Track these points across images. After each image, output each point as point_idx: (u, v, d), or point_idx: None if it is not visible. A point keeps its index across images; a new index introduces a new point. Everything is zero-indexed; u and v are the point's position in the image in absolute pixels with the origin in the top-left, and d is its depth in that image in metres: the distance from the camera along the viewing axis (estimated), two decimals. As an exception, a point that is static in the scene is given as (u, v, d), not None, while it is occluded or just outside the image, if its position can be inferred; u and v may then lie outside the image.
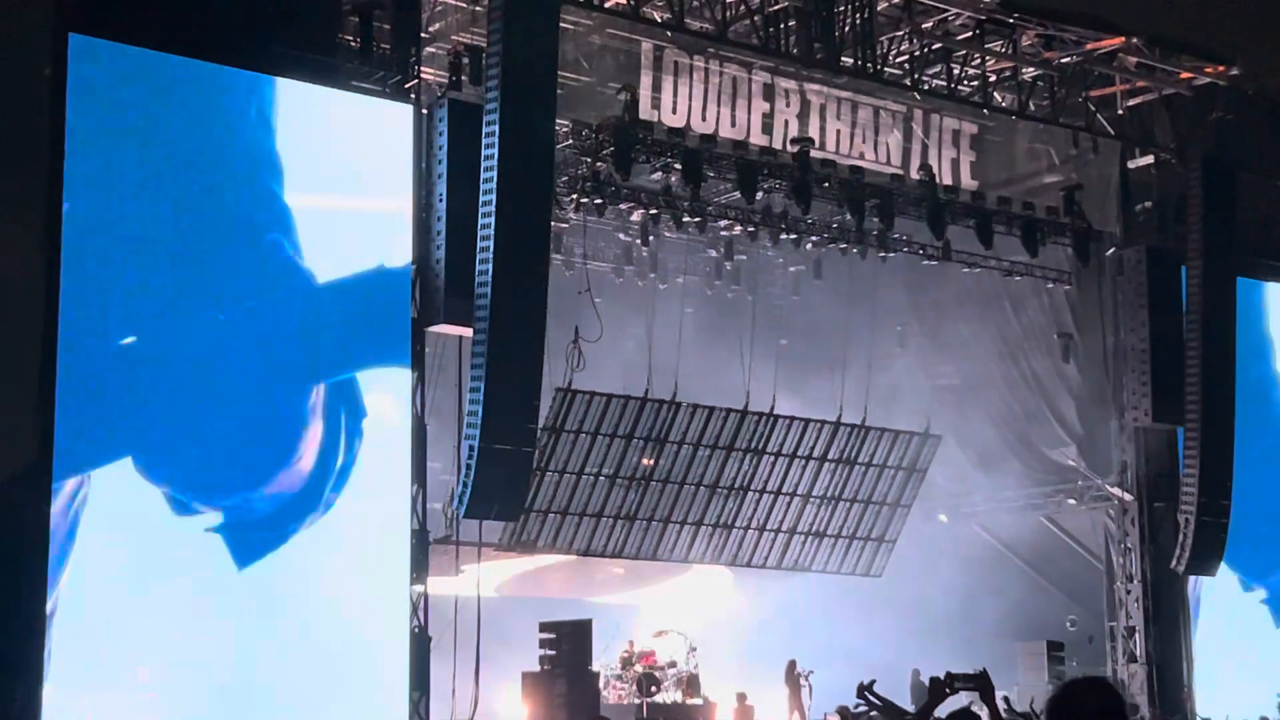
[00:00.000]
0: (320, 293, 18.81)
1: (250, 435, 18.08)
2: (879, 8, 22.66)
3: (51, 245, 16.72)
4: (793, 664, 25.56)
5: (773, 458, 28.12)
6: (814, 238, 25.37)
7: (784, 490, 28.47)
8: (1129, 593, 26.11)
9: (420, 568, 19.19)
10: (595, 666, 23.03)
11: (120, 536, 17.16)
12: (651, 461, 27.33)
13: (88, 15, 17.26)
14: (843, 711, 20.74)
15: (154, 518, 17.36)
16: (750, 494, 28.14)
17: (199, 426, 17.68)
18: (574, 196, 22.56)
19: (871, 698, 11.56)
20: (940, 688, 6.88)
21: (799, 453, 28.35)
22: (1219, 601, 26.23)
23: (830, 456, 28.53)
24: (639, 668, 25.19)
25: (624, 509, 27.24)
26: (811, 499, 28.66)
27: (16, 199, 16.48)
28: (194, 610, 17.47)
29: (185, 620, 17.37)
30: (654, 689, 24.51)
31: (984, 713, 6.75)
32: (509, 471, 19.04)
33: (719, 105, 22.50)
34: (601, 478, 26.66)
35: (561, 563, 28.41)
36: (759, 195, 23.41)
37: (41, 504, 16.44)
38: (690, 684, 25.35)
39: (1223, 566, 25.54)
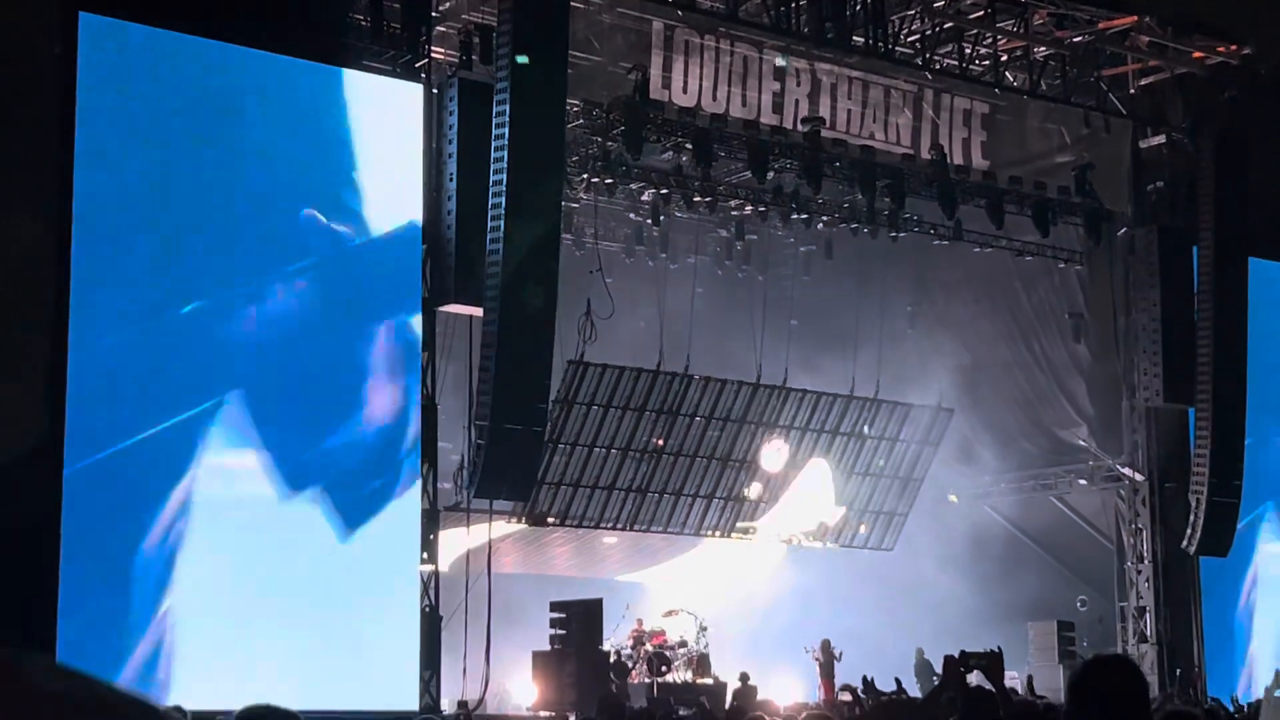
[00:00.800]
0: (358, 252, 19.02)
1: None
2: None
3: (62, 224, 16.75)
4: (827, 643, 25.65)
5: (785, 430, 28.23)
6: (824, 218, 25.39)
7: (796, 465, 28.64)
8: (1140, 573, 26.11)
9: (431, 547, 19.23)
10: (605, 646, 23.08)
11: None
12: (662, 441, 27.38)
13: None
14: (851, 690, 20.77)
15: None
16: (762, 468, 28.32)
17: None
18: (584, 176, 22.55)
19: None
20: (955, 667, 6.88)
21: (811, 426, 28.45)
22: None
23: (843, 430, 28.67)
24: (649, 646, 25.23)
25: (635, 482, 27.33)
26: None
27: (27, 178, 16.43)
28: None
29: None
30: (664, 669, 24.55)
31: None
32: (519, 451, 19.04)
33: (729, 85, 22.45)
34: (613, 451, 26.75)
35: (571, 537, 28.49)
36: (770, 175, 23.39)
37: (54, 483, 16.47)
38: (701, 664, 25.38)
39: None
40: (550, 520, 26.88)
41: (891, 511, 29.62)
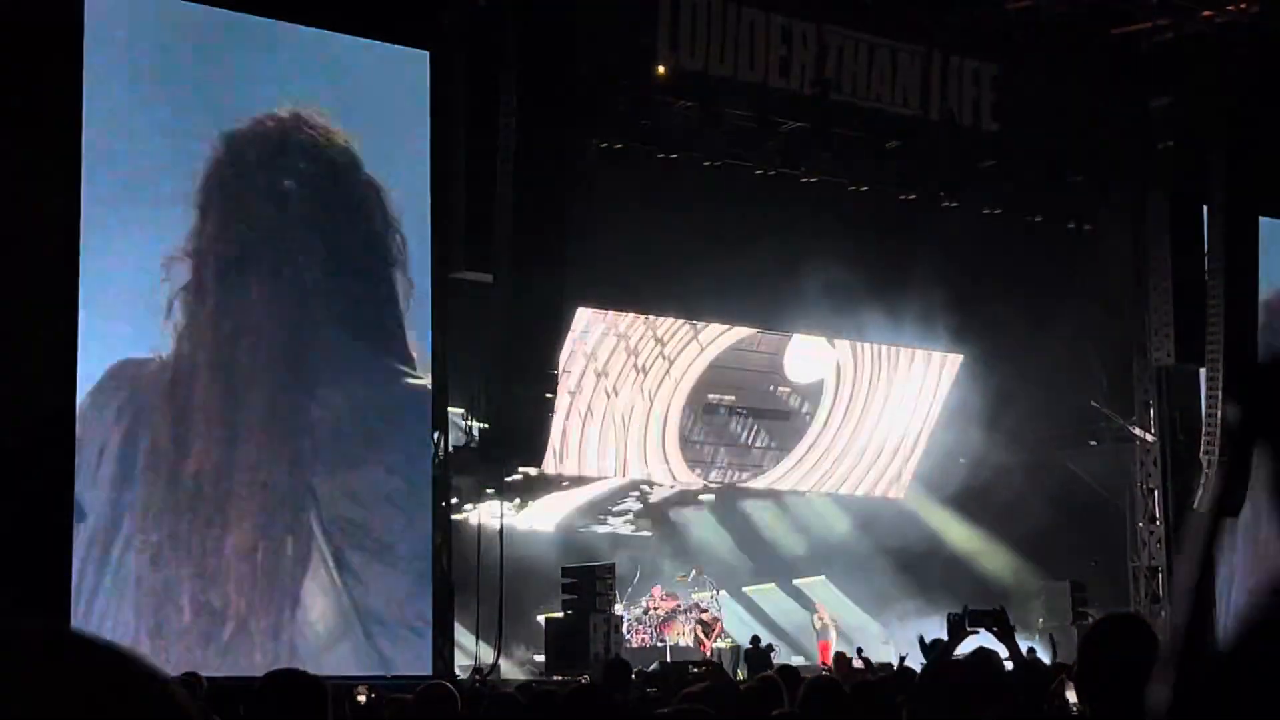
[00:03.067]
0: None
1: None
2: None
3: (70, 188, 16.76)
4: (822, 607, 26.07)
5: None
6: (834, 179, 25.36)
7: (805, 410, 28.82)
8: (1151, 533, 26.14)
9: (442, 513, 19.27)
10: (618, 609, 23.17)
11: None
12: None
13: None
14: (864, 659, 20.94)
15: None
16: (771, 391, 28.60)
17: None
18: (593, 140, 22.52)
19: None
20: (959, 626, 6.91)
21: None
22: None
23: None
24: (660, 612, 25.39)
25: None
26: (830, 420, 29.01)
27: (36, 144, 16.44)
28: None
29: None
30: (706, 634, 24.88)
31: (1002, 650, 6.79)
32: (530, 416, 19.10)
33: (737, 48, 22.36)
34: None
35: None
36: (780, 136, 23.38)
37: (66, 465, 16.55)
38: (713, 628, 25.53)
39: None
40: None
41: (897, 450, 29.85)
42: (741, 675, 20.69)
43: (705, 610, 25.85)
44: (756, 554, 30.16)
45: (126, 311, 17.39)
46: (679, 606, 26.09)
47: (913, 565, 28.32)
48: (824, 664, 24.35)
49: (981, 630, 6.96)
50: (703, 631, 25.50)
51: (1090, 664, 4.13)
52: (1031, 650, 16.86)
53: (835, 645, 25.32)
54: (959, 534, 29.31)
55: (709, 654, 24.51)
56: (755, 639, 25.09)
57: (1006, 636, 6.87)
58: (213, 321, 17.99)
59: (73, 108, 16.61)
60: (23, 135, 16.12)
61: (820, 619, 27.32)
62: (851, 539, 29.55)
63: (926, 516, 29.58)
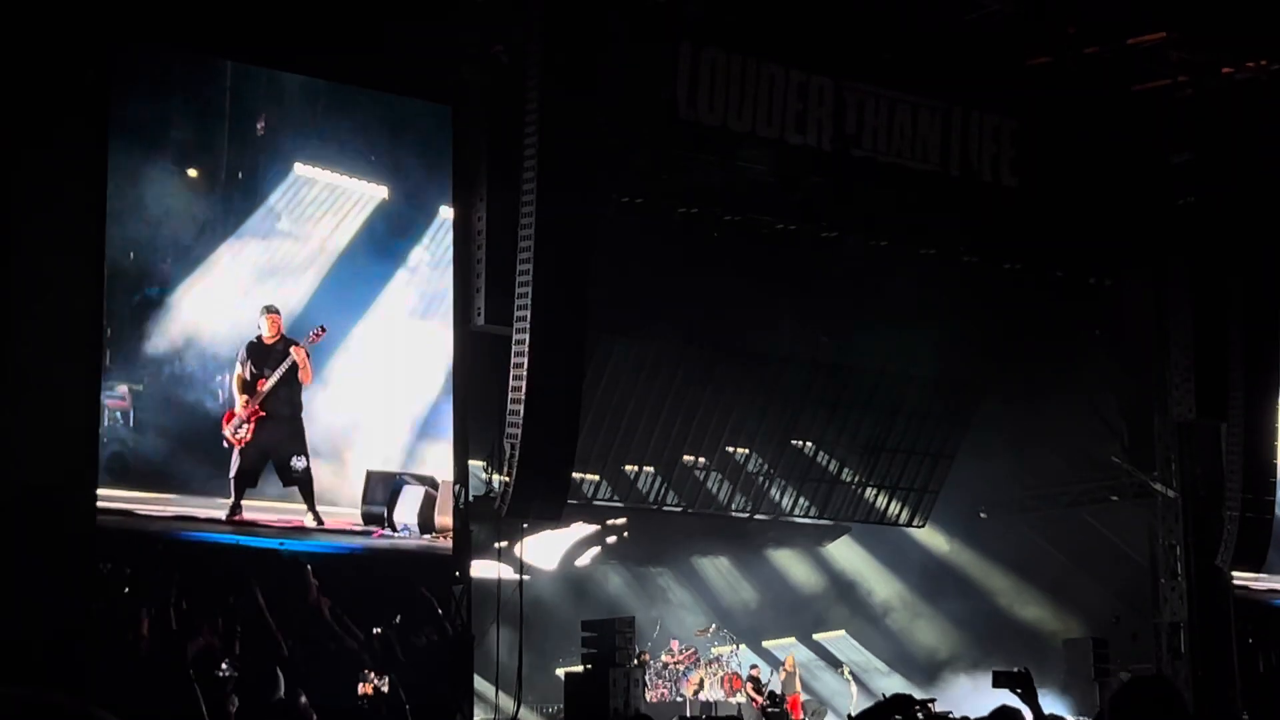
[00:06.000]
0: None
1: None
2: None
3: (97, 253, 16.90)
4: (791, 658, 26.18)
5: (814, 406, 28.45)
6: (852, 235, 25.39)
7: (825, 440, 28.80)
8: (1173, 589, 25.98)
9: (463, 564, 19.27)
10: (636, 662, 23.12)
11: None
12: None
13: (129, 19, 17.36)
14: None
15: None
16: (790, 445, 28.49)
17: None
18: (613, 195, 22.58)
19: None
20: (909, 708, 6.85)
21: (840, 400, 28.56)
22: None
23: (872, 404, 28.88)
24: (682, 668, 25.34)
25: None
26: (853, 449, 28.98)
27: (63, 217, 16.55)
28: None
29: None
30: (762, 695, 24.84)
31: (1027, 713, 6.76)
32: (549, 471, 19.08)
33: (755, 104, 22.40)
34: None
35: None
36: (798, 192, 23.41)
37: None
38: (733, 681, 25.48)
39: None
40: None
41: (923, 488, 29.74)
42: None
43: (745, 667, 25.95)
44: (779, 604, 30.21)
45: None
46: (698, 660, 26.04)
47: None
48: (797, 718, 24.55)
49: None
50: (754, 689, 25.58)
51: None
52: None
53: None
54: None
55: (759, 709, 24.67)
56: (771, 694, 25.06)
57: (1030, 698, 6.84)
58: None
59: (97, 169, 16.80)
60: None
61: (785, 670, 27.44)
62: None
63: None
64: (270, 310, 18.23)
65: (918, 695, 6.50)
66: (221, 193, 18.47)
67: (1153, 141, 25.40)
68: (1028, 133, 24.75)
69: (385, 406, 19.30)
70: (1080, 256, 26.28)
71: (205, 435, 17.90)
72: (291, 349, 18.18)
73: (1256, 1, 21.77)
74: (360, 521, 18.65)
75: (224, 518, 17.73)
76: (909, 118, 23.62)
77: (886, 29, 22.31)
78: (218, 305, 18.12)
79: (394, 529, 18.64)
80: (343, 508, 18.63)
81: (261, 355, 18.18)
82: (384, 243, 19.51)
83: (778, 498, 28.88)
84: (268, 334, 18.19)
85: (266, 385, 18.00)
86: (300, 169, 18.90)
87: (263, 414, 18.04)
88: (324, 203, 19.02)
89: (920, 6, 21.96)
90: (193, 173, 18.20)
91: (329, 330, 18.45)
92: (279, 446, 18.21)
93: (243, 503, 17.88)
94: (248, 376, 18.04)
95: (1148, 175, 25.60)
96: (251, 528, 17.79)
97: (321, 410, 18.59)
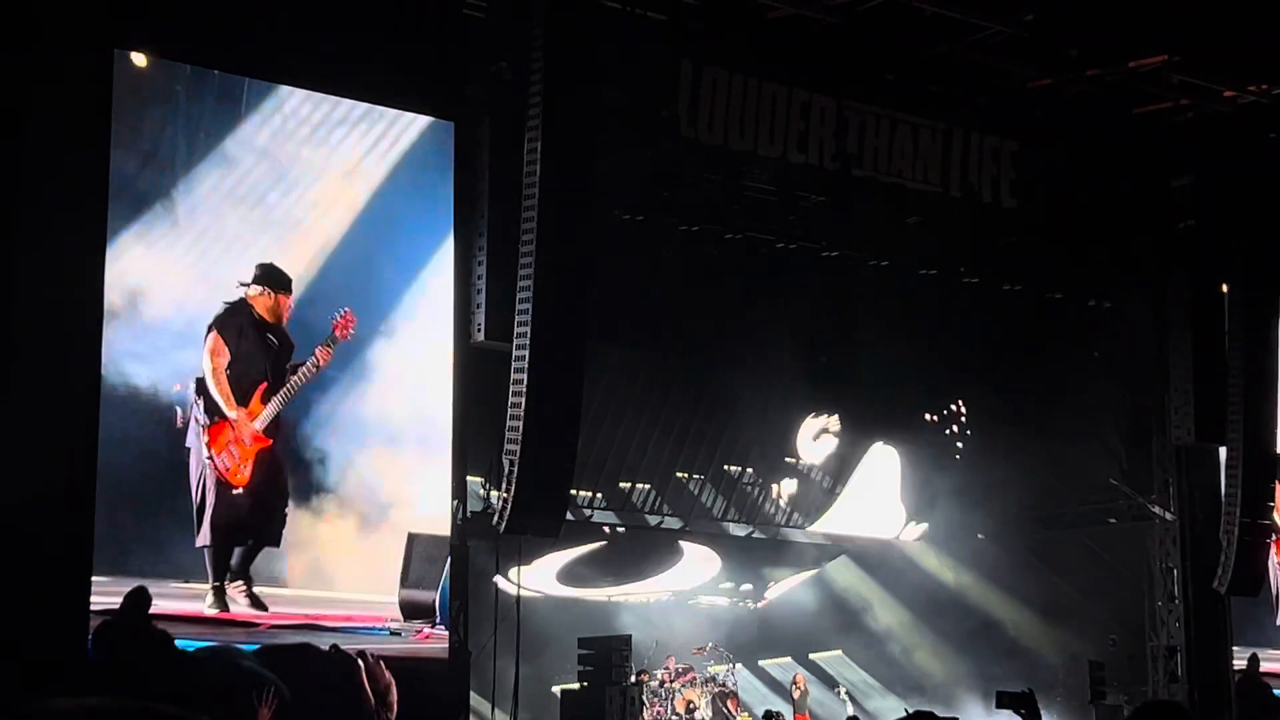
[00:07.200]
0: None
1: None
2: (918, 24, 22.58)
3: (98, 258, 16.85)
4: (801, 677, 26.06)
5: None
6: (853, 254, 25.42)
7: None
8: (1170, 613, 25.97)
9: (460, 580, 19.21)
10: (632, 679, 23.08)
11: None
12: None
13: (133, 29, 17.36)
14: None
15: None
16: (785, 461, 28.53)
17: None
18: (614, 212, 22.59)
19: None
20: None
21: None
22: None
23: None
24: (677, 686, 25.27)
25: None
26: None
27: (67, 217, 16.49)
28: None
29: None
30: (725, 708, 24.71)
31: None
32: (548, 487, 19.04)
33: (757, 122, 22.44)
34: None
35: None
36: (800, 211, 23.45)
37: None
38: (729, 701, 25.40)
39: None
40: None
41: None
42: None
43: (722, 684, 25.76)
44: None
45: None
46: (695, 679, 25.97)
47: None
48: None
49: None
50: (723, 704, 25.48)
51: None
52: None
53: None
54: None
55: None
56: (768, 712, 25.01)
57: (1033, 718, 6.82)
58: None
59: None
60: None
61: (797, 688, 27.42)
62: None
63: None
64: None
65: (940, 713, 6.52)
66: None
67: (1153, 164, 25.44)
68: (1028, 154, 24.79)
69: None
70: (1080, 278, 26.33)
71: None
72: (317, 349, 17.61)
73: (1258, 25, 21.76)
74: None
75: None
76: (910, 138, 23.65)
77: (888, 50, 22.32)
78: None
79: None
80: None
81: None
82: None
83: (773, 514, 28.87)
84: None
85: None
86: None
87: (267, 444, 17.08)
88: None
89: (922, 28, 21.95)
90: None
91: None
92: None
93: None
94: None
95: (1148, 198, 25.64)
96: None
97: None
